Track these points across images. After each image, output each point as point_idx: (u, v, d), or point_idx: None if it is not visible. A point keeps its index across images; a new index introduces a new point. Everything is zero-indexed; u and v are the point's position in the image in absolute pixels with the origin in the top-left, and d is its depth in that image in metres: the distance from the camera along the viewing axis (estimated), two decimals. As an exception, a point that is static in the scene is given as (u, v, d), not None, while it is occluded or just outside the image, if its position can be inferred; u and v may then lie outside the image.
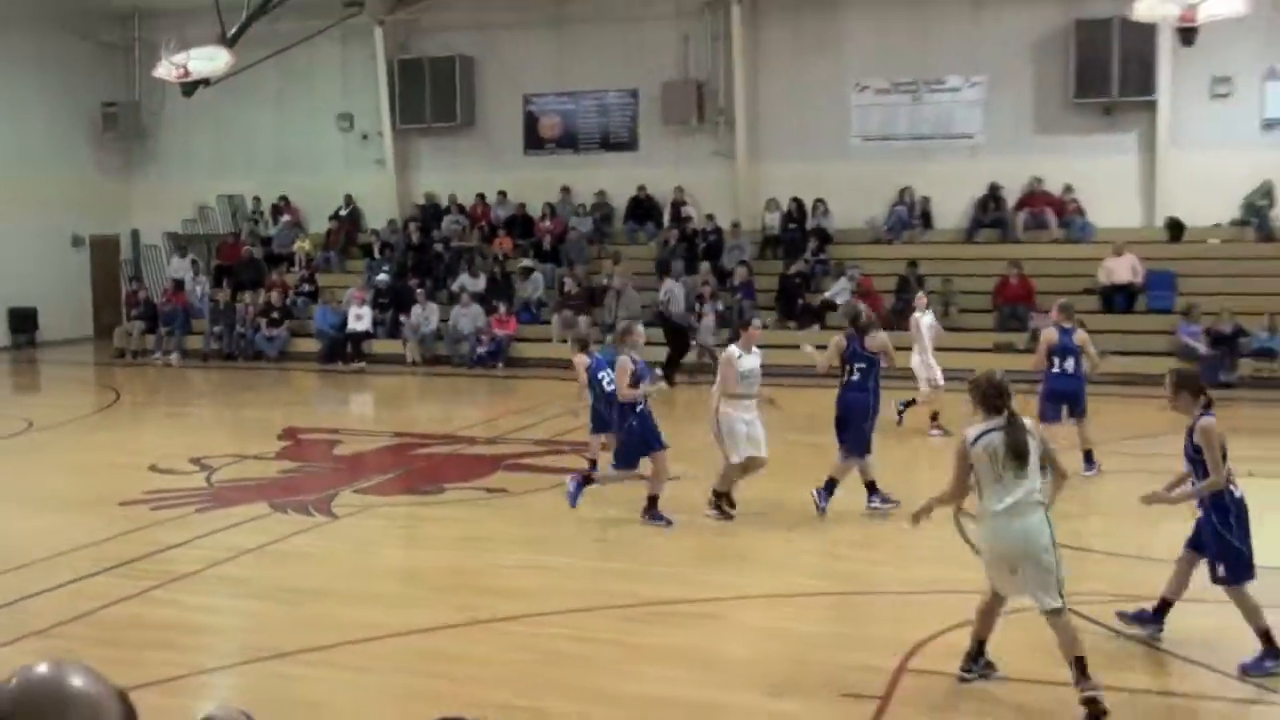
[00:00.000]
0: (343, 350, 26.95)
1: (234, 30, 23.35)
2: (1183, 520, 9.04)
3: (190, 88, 22.68)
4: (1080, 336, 14.81)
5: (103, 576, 10.58)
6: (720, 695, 8.02)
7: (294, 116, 31.38)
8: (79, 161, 31.57)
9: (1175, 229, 26.34)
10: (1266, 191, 25.92)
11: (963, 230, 27.87)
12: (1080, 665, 7.42)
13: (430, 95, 30.25)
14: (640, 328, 13.95)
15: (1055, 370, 14.71)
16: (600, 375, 13.88)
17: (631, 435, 12.79)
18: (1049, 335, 14.88)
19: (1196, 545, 8.78)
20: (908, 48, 28.05)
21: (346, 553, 11.79)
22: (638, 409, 12.77)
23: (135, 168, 33.00)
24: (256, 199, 32.12)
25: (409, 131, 31.05)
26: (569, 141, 30.55)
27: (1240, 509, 8.47)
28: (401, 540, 12.97)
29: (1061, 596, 7.49)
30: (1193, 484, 8.64)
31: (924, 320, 19.41)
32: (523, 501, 13.95)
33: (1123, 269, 24.70)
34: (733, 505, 12.66)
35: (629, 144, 30.14)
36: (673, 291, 25.00)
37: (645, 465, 12.74)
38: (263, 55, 25.75)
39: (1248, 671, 8.23)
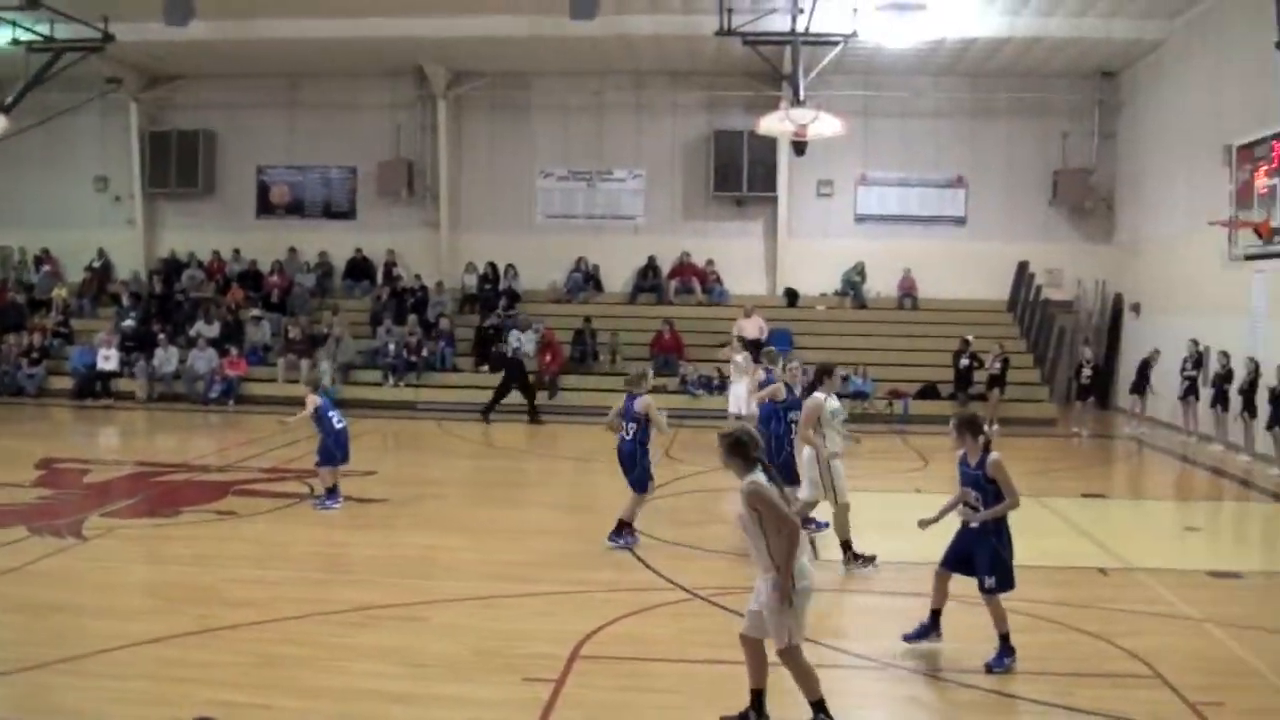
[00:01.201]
0: (93, 388, 27.68)
1: (11, 99, 25.39)
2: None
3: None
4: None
5: None
6: (419, 686, 8.34)
7: (57, 177, 32.46)
8: None
9: (792, 297, 31.14)
10: (860, 270, 31.16)
11: (627, 293, 31.69)
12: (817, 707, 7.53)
13: (176, 163, 31.95)
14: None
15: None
16: (330, 414, 15.00)
17: (644, 469, 13.20)
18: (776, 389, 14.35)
19: (953, 565, 9.32)
20: (584, 144, 31.80)
21: (95, 571, 11.67)
22: (646, 446, 13.17)
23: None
24: (22, 249, 33.01)
25: (156, 195, 32.63)
26: (296, 208, 32.64)
27: (1009, 530, 9.16)
28: (144, 558, 12.69)
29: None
30: (972, 506, 9.13)
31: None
32: (250, 522, 14.26)
33: (751, 327, 28.65)
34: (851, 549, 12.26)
35: (348, 212, 32.55)
36: (521, 339, 27.03)
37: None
38: (31, 122, 27.48)
39: (992, 669, 8.82)
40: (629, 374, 14.19)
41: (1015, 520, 9.20)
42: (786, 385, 13.94)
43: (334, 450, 15.09)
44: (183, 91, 32.17)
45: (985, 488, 9.06)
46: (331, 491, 15.07)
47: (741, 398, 22.28)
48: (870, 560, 12.06)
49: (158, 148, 32.25)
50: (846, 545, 12.15)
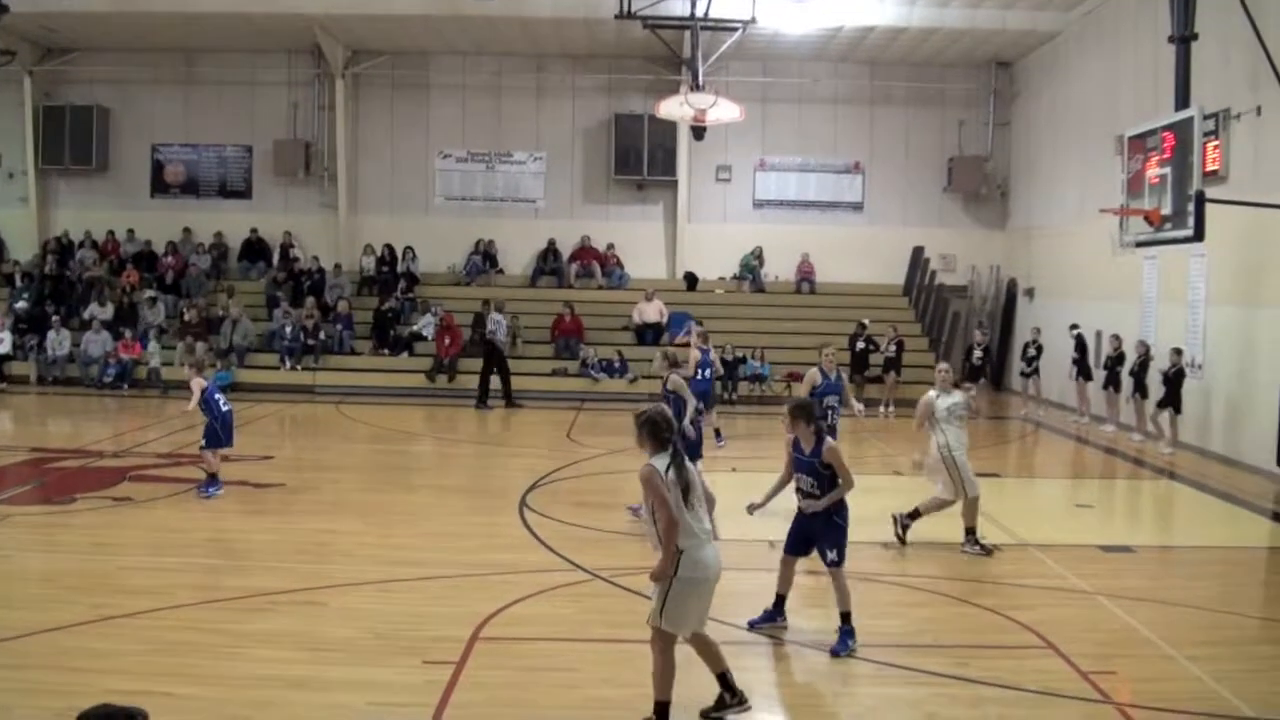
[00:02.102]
0: None
1: None
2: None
3: None
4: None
5: None
6: (319, 670, 8.26)
7: None
8: None
9: (691, 280, 31.33)
10: (757, 254, 31.38)
11: (527, 276, 31.67)
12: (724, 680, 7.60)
13: (70, 140, 31.17)
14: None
15: (697, 378, 16.76)
16: (216, 397, 14.77)
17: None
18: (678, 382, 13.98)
19: (796, 549, 9.46)
20: (484, 126, 31.73)
21: None
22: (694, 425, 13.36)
23: None
24: None
25: (50, 171, 31.71)
26: (191, 187, 32.08)
27: (844, 501, 9.28)
28: (39, 546, 12.43)
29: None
30: (808, 493, 9.27)
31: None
32: (146, 508, 14.08)
33: (652, 311, 29.15)
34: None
35: (244, 192, 32.03)
36: (499, 322, 26.52)
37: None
38: None
39: (837, 654, 8.85)
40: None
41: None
42: (822, 370, 13.83)
43: (220, 434, 14.84)
44: (77, 65, 31.44)
45: (820, 473, 9.18)
46: (213, 478, 14.77)
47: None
48: (989, 551, 12.21)
49: (51, 123, 31.46)
50: (971, 530, 12.28)
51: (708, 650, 7.63)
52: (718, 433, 19.65)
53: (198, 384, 14.80)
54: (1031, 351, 25.54)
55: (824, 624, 9.51)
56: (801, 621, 9.69)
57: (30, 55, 30.92)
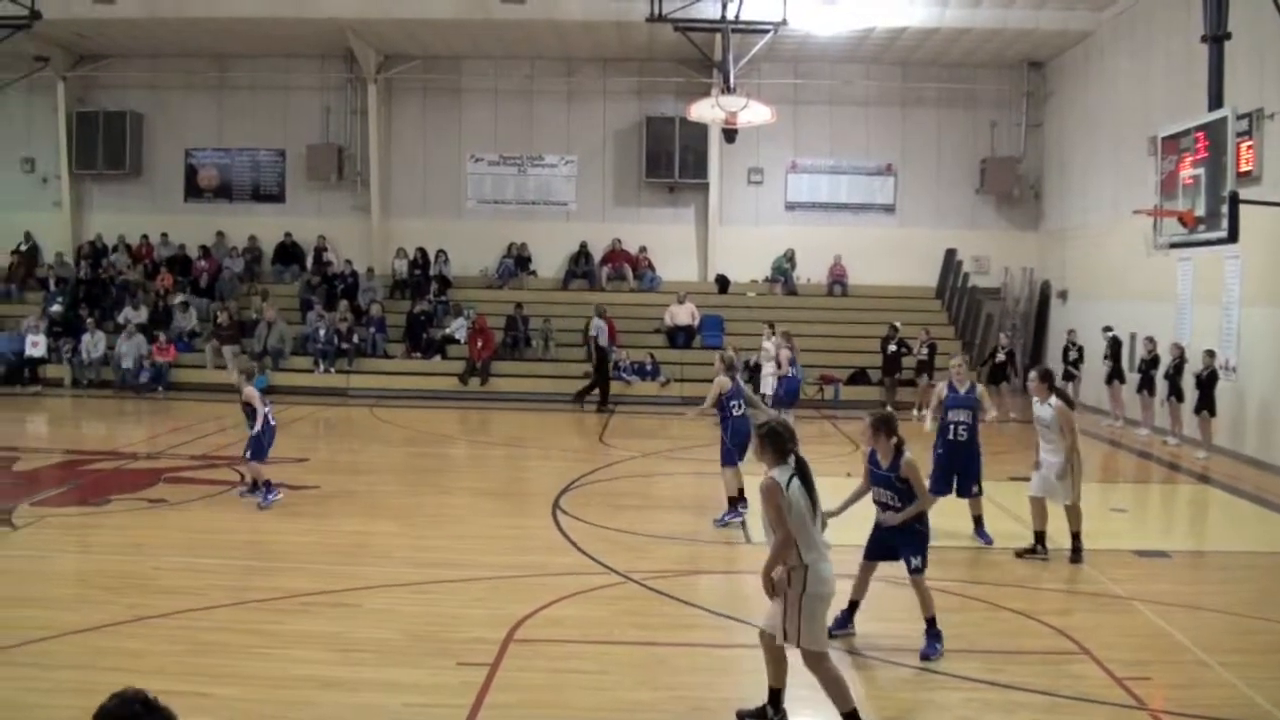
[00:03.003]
0: (21, 374, 27.27)
1: None
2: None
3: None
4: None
5: None
6: (353, 671, 8.25)
7: None
8: None
9: (723, 283, 31.30)
10: (789, 257, 31.36)
11: (559, 279, 31.71)
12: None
13: (104, 145, 31.37)
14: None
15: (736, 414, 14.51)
16: (266, 408, 14.51)
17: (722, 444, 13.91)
18: (722, 382, 14.16)
19: (876, 555, 9.36)
20: (515, 129, 31.78)
21: (25, 560, 11.59)
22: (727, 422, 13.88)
23: None
24: None
25: (84, 176, 32.01)
26: (225, 192, 32.24)
27: (926, 515, 9.24)
28: (74, 547, 12.53)
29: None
30: (890, 506, 9.12)
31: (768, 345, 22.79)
32: (181, 510, 14.12)
33: (683, 314, 29.13)
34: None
35: (278, 196, 32.18)
36: (601, 328, 26.48)
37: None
38: None
39: (928, 657, 8.81)
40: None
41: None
42: (950, 383, 13.32)
43: (265, 444, 14.62)
44: (110, 71, 31.67)
45: (897, 487, 9.08)
46: (268, 484, 14.49)
47: (770, 380, 22.56)
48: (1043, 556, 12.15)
49: (85, 128, 31.69)
50: (1041, 535, 12.19)
51: (778, 664, 7.52)
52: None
53: (250, 393, 14.51)
54: (1073, 354, 25.37)
55: (860, 627, 9.50)
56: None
57: (64, 62, 31.17)
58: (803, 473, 7.20)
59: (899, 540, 9.13)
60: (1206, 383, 19.95)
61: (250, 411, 14.49)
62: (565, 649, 9.06)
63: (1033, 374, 12.68)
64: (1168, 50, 22.77)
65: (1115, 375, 23.75)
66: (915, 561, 9.05)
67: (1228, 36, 17.29)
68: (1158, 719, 7.86)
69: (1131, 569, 12.04)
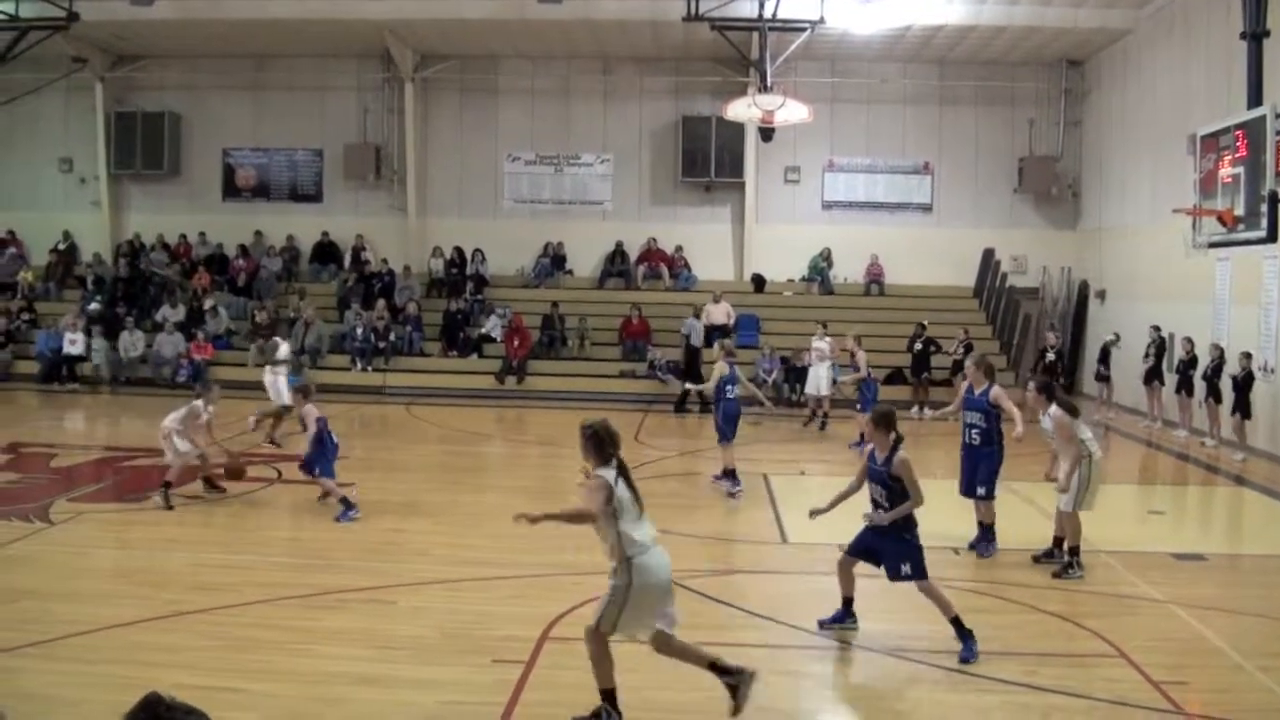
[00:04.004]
0: (59, 372, 27.58)
1: None
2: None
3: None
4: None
5: None
6: (388, 669, 8.23)
7: (21, 158, 32.32)
8: None
9: (759, 282, 31.28)
10: (826, 256, 31.29)
11: (595, 278, 31.81)
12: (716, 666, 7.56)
13: (142, 145, 31.67)
14: None
15: (729, 397, 15.88)
16: (329, 430, 13.98)
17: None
18: (721, 368, 15.86)
19: (857, 552, 9.31)
20: (551, 128, 31.84)
21: (63, 555, 11.61)
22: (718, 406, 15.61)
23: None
24: None
25: (122, 176, 32.32)
26: (262, 191, 32.50)
27: (913, 517, 9.08)
28: (112, 543, 12.57)
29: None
30: (879, 504, 9.14)
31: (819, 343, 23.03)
32: (218, 506, 14.28)
33: (719, 313, 28.86)
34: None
35: (315, 196, 32.43)
36: (693, 325, 26.65)
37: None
38: None
39: (966, 660, 8.73)
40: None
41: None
42: (969, 385, 12.94)
43: (329, 456, 14.13)
44: (148, 72, 31.93)
45: (890, 484, 9.06)
46: (348, 501, 13.82)
47: (823, 379, 23.01)
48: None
49: (123, 129, 31.99)
50: (1060, 542, 11.98)
51: (683, 653, 7.63)
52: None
53: (311, 413, 14.07)
54: (1115, 351, 25.19)
55: (895, 627, 9.51)
56: (872, 625, 9.64)
57: (102, 63, 31.45)
58: (624, 473, 7.43)
59: (883, 547, 9.08)
60: (1242, 384, 19.79)
61: (318, 436, 14.05)
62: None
63: (1030, 385, 12.62)
64: (1207, 47, 22.61)
65: (1155, 375, 23.55)
66: (906, 570, 8.97)
67: (1267, 34, 17.19)
68: (1195, 723, 7.75)
69: (1169, 572, 11.95)
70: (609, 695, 7.40)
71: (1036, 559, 12.03)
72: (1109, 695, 8.18)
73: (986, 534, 12.38)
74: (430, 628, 9.36)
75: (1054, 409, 11.77)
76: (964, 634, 8.84)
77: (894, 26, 27.85)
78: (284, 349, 20.53)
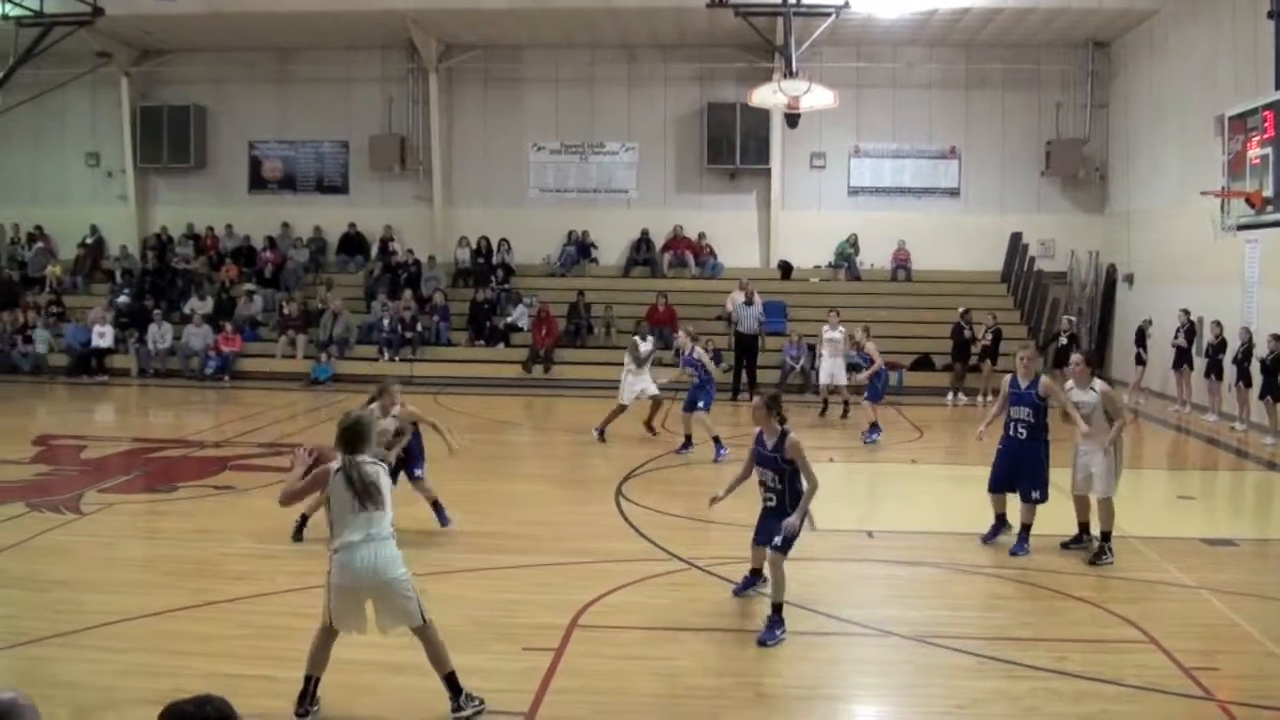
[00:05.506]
0: (88, 364, 27.82)
1: (1, 74, 25.67)
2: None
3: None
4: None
5: None
6: (418, 656, 7.82)
7: (48, 153, 32.65)
8: None
9: (785, 269, 31.19)
10: (853, 242, 31.14)
11: (620, 267, 31.84)
12: (451, 680, 7.52)
13: (168, 138, 31.81)
14: None
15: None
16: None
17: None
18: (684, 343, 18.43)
19: (764, 542, 9.38)
20: (576, 117, 31.82)
21: (93, 546, 11.69)
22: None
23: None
24: (16, 226, 33.02)
25: (148, 170, 32.41)
26: (289, 183, 32.57)
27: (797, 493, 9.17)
28: (142, 533, 12.78)
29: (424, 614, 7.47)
30: (773, 486, 9.25)
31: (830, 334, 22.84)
32: (248, 497, 14.20)
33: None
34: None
35: (341, 187, 32.53)
36: (740, 310, 25.99)
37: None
38: (21, 99, 27.91)
39: (764, 643, 8.73)
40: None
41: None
42: (1014, 378, 12.23)
43: (418, 456, 13.04)
44: (173, 66, 32.09)
45: (782, 467, 9.10)
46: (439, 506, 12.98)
47: (838, 369, 22.64)
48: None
49: (149, 123, 32.12)
50: (1085, 528, 11.90)
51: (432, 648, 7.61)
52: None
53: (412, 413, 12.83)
54: (1150, 334, 25.04)
55: (926, 614, 9.57)
56: (902, 612, 9.68)
57: (127, 57, 31.62)
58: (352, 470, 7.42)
59: (772, 524, 9.17)
60: (1271, 368, 19.63)
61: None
62: (630, 635, 9.09)
63: (1075, 356, 12.25)
64: (1234, 28, 22.41)
65: (1184, 359, 23.40)
66: (777, 540, 9.02)
67: (1295, 13, 17.01)
68: (1226, 710, 7.73)
69: (1199, 557, 11.87)
70: (450, 677, 7.51)
71: (1065, 545, 11.96)
72: (1139, 681, 8.14)
73: (1025, 535, 11.95)
74: (459, 616, 9.31)
75: (1099, 382, 11.72)
76: (778, 621, 8.87)
77: (920, 10, 27.67)
78: (644, 347, 20.09)
